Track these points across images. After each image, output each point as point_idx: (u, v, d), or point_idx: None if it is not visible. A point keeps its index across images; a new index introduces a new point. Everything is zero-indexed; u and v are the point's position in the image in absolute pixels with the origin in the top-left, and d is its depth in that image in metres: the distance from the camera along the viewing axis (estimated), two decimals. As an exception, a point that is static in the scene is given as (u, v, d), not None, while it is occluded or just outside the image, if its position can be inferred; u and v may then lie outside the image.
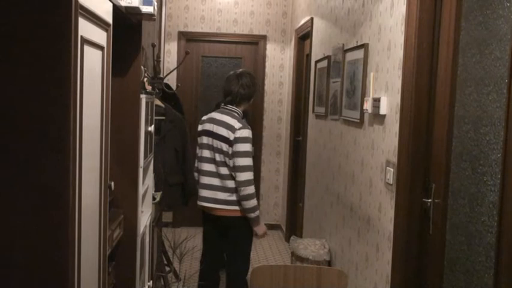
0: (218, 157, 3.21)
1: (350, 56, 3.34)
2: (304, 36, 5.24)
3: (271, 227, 5.87)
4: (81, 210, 1.35)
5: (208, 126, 3.28)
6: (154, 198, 2.82)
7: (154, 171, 2.90)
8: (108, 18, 1.59)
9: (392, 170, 2.52)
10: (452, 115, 2.13)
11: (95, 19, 1.42)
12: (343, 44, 3.53)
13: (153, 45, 3.08)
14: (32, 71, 1.21)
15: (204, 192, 3.30)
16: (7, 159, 1.23)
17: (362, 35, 3.13)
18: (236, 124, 3.17)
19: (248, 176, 3.13)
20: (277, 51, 6.09)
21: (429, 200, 2.26)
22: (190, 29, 5.95)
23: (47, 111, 1.22)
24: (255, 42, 6.06)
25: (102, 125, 1.58)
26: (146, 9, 2.00)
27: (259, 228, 3.32)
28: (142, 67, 2.31)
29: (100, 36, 1.50)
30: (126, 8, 1.90)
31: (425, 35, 2.29)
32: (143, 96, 2.27)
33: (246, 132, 3.16)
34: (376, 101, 2.70)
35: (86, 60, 1.33)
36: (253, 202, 3.16)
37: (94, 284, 1.55)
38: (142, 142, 2.27)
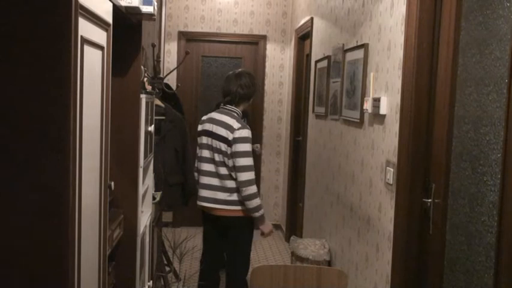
0: (217, 157, 3.21)
1: (350, 56, 3.34)
2: (304, 36, 5.24)
3: (271, 227, 5.87)
4: (81, 210, 1.35)
5: (208, 126, 3.28)
6: (154, 198, 2.82)
7: (154, 171, 2.90)
8: (108, 18, 1.59)
9: (392, 170, 2.52)
10: (452, 115, 2.13)
11: (95, 19, 1.42)
12: (343, 44, 3.53)
13: (153, 45, 3.08)
14: (32, 71, 1.21)
15: (203, 192, 3.30)
16: (7, 159, 1.23)
17: (362, 35, 3.13)
18: (235, 124, 3.17)
19: (249, 176, 3.13)
20: (277, 51, 6.09)
21: (429, 200, 2.26)
22: (190, 29, 5.95)
23: (47, 111, 1.22)
24: (255, 42, 6.06)
25: (102, 125, 1.58)
26: (146, 9, 2.00)
27: (265, 227, 3.32)
28: (142, 67, 2.31)
29: (100, 36, 1.50)
30: (126, 8, 1.90)
31: (425, 35, 2.29)
32: (143, 96, 2.27)
33: (245, 132, 3.16)
34: (376, 101, 2.70)
35: (86, 60, 1.33)
36: (256, 202, 3.16)
37: (94, 284, 1.55)
38: (142, 142, 2.27)
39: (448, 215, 2.15)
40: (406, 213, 2.36)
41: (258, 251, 5.24)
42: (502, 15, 1.81)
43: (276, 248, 5.46)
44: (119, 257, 2.18)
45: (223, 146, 3.17)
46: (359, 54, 3.11)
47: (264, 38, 6.04)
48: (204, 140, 3.29)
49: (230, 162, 3.16)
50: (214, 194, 3.25)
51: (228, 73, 3.42)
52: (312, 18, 4.79)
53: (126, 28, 2.11)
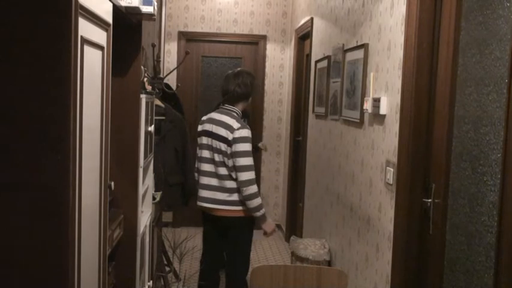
0: (217, 157, 3.21)
1: (350, 56, 3.34)
2: (304, 36, 5.24)
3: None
4: (81, 210, 1.35)
5: (208, 127, 3.28)
6: (154, 198, 2.82)
7: (154, 171, 2.90)
8: (108, 18, 1.59)
9: (392, 170, 2.52)
10: (452, 115, 2.13)
11: (95, 19, 1.42)
12: (343, 44, 3.53)
13: (153, 45, 3.08)
14: (32, 71, 1.21)
15: (203, 193, 3.30)
16: (7, 159, 1.23)
17: (362, 35, 3.13)
18: (235, 124, 3.17)
19: (249, 175, 3.13)
20: (277, 51, 6.09)
21: (429, 200, 2.26)
22: (190, 29, 5.95)
23: (47, 111, 1.22)
24: (255, 42, 6.06)
25: (102, 125, 1.58)
26: (146, 9, 2.00)
27: (267, 226, 3.32)
28: (142, 67, 2.31)
29: (100, 36, 1.50)
30: (126, 8, 1.90)
31: (425, 35, 2.29)
32: (143, 96, 2.27)
33: (245, 132, 3.16)
34: (376, 101, 2.70)
35: (86, 60, 1.33)
36: (256, 201, 3.16)
37: (94, 284, 1.55)
38: (142, 142, 2.27)
39: (448, 215, 2.15)
40: (406, 213, 2.36)
41: (258, 251, 5.24)
42: (502, 15, 1.81)
43: (276, 248, 5.46)
44: (118, 257, 2.18)
45: (223, 146, 3.17)
46: (359, 54, 3.11)
47: (264, 38, 6.04)
48: (204, 140, 3.29)
49: (230, 162, 3.16)
50: (214, 194, 3.25)
51: (227, 72, 3.42)
52: (312, 18, 4.79)
53: (126, 28, 2.11)
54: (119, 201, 2.17)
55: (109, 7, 1.61)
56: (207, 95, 6.03)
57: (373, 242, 2.80)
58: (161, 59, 4.30)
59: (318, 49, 4.53)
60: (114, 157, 1.98)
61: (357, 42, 3.23)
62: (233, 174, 3.18)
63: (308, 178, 4.79)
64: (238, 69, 3.43)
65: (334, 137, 3.80)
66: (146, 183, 2.58)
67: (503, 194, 1.73)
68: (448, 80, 2.16)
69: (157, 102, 3.16)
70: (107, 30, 1.58)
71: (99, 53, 1.50)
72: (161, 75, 3.19)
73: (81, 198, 1.34)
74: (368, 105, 2.81)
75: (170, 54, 5.90)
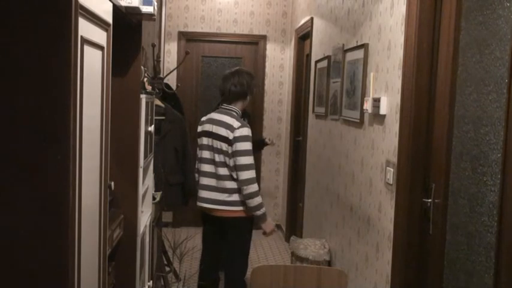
0: (218, 157, 3.21)
1: (350, 56, 3.34)
2: (304, 36, 5.24)
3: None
4: (81, 210, 1.34)
5: (208, 127, 3.28)
6: (154, 198, 2.82)
7: (154, 171, 2.90)
8: (108, 18, 1.59)
9: (392, 170, 2.52)
10: (452, 115, 2.13)
11: (95, 19, 1.42)
12: (343, 44, 3.53)
13: (153, 45, 3.08)
14: (32, 71, 1.21)
15: (203, 193, 3.30)
16: (7, 159, 1.23)
17: (362, 35, 3.13)
18: (235, 123, 3.17)
19: (250, 174, 3.13)
20: (277, 51, 6.09)
21: (429, 200, 2.26)
22: (190, 29, 5.95)
23: (47, 111, 1.22)
24: (255, 42, 6.06)
25: (102, 125, 1.58)
26: (146, 9, 2.00)
27: (267, 226, 3.32)
28: (142, 67, 2.30)
29: (100, 36, 1.50)
30: (126, 8, 1.90)
31: (425, 35, 2.29)
32: (143, 96, 2.27)
33: (245, 131, 3.16)
34: (376, 101, 2.70)
35: (86, 60, 1.33)
36: (257, 200, 3.15)
37: (94, 284, 1.55)
38: (142, 142, 2.27)
39: (448, 215, 2.15)
40: (406, 213, 2.36)
41: (258, 251, 5.24)
42: (502, 15, 1.81)
43: (276, 248, 5.46)
44: (118, 257, 2.18)
45: (224, 146, 3.17)
46: (359, 54, 3.11)
47: (264, 38, 6.04)
48: (205, 140, 3.29)
49: (231, 162, 3.16)
50: (213, 194, 3.25)
51: (225, 71, 3.43)
52: (312, 18, 4.79)
53: (126, 28, 2.11)
54: (119, 201, 2.17)
55: (109, 7, 1.61)
56: (207, 95, 6.03)
57: (373, 242, 2.80)
58: (161, 59, 4.30)
59: (318, 49, 4.53)
60: (114, 157, 1.98)
61: (357, 42, 3.23)
62: (234, 175, 3.17)
63: (308, 178, 4.79)
64: (236, 68, 3.43)
65: (334, 137, 3.80)
66: (146, 183, 2.58)
67: (503, 194, 1.73)
68: (448, 80, 2.16)
69: (157, 102, 3.16)
70: (107, 30, 1.58)
71: (99, 53, 1.50)
72: (161, 75, 3.19)
73: (81, 198, 1.33)
74: (368, 105, 2.81)
75: (170, 54, 5.90)
